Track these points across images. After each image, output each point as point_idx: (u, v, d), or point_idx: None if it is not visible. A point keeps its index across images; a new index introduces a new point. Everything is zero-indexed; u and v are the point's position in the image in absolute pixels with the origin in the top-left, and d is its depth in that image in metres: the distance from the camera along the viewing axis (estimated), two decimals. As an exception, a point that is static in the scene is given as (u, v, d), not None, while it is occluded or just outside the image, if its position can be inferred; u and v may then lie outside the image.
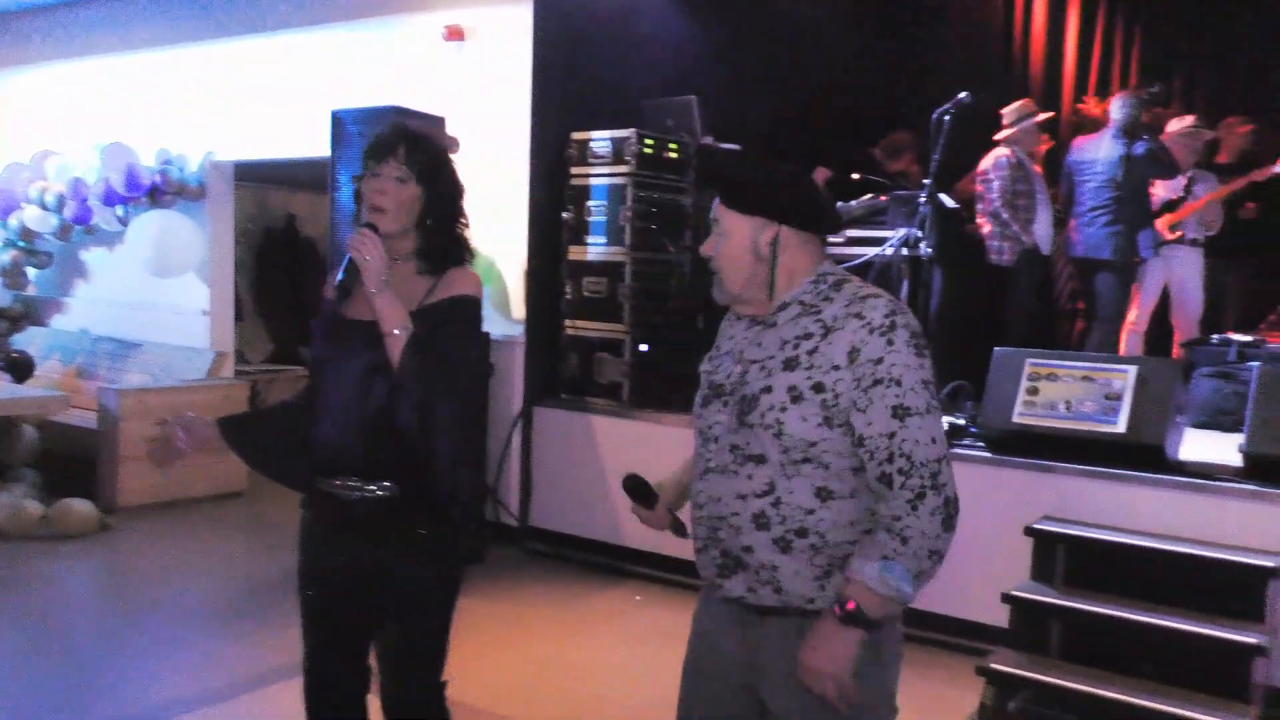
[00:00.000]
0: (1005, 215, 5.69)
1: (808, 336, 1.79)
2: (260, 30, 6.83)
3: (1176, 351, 5.96)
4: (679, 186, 5.49)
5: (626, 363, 5.26)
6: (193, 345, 6.98)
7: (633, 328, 5.26)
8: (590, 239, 5.39)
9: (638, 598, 4.87)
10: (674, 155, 5.43)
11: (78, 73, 8.08)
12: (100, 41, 7.88)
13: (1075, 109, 7.35)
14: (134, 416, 6.11)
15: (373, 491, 2.13)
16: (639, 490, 2.06)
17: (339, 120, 4.98)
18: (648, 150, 5.26)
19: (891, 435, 1.71)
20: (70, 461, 6.35)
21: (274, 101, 6.62)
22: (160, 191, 6.98)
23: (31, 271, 8.04)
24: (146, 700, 3.68)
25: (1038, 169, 5.97)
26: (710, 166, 1.94)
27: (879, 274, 5.34)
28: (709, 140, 5.67)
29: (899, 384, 1.71)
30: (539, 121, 5.39)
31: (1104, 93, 7.11)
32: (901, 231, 5.31)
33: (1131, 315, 6.08)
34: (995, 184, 5.76)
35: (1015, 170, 5.78)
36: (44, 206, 7.46)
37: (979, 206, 5.90)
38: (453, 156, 5.28)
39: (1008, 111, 5.94)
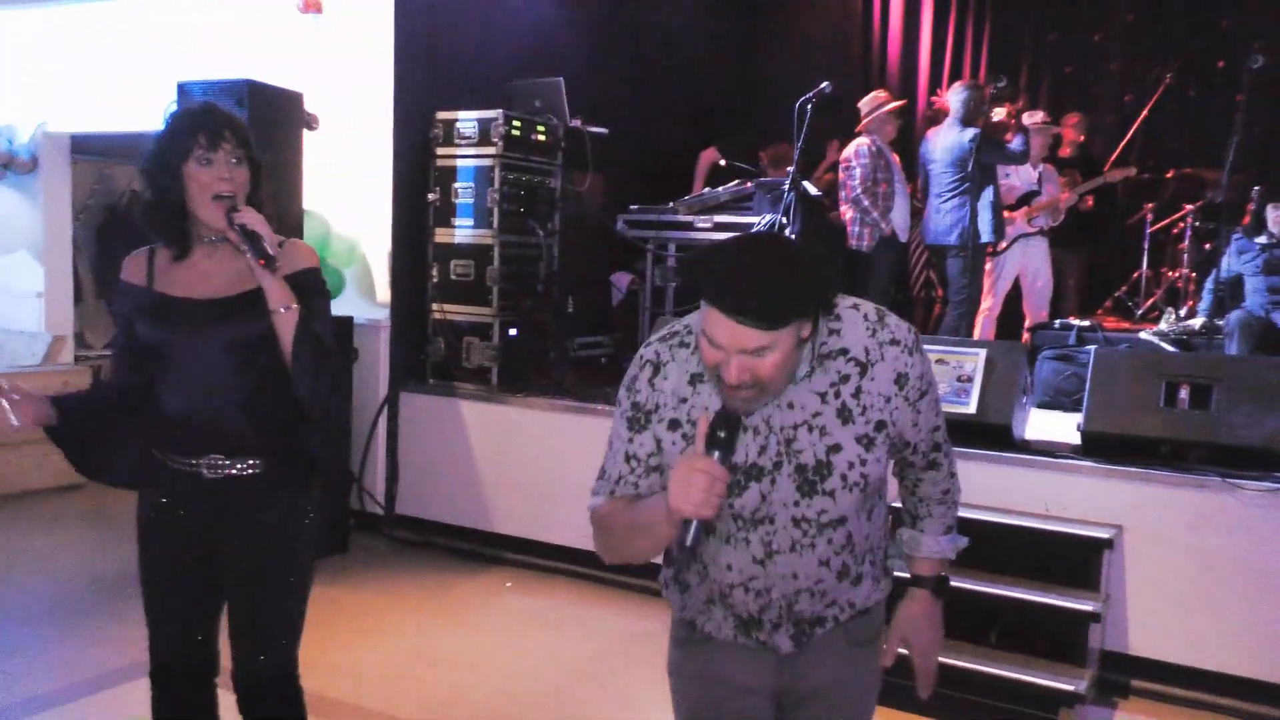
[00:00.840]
0: (866, 202, 5.87)
1: (845, 380, 1.66)
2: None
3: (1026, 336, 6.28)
4: (547, 169, 5.45)
5: (495, 347, 5.19)
6: (27, 329, 6.55)
7: (501, 312, 5.20)
8: (457, 221, 5.29)
9: (508, 584, 4.84)
10: (542, 137, 5.38)
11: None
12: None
13: (930, 103, 7.63)
14: (-39, 406, 5.70)
15: (241, 469, 2.15)
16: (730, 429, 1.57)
17: (186, 92, 4.72)
18: (515, 132, 5.19)
19: (936, 429, 1.80)
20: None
21: (116, 71, 6.24)
22: (-13, 164, 6.51)
23: None
24: (45, 687, 3.48)
25: (895, 158, 6.17)
26: (745, 304, 1.52)
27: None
28: (577, 123, 5.64)
29: (933, 384, 1.76)
30: (402, 100, 5.25)
31: (961, 77, 7.40)
32: (767, 217, 5.42)
33: (987, 302, 6.37)
34: (857, 171, 5.93)
35: (875, 158, 5.96)
36: None
37: (841, 194, 6.07)
38: (312, 133, 5.12)
39: (864, 102, 6.12)
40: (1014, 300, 6.56)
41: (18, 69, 6.76)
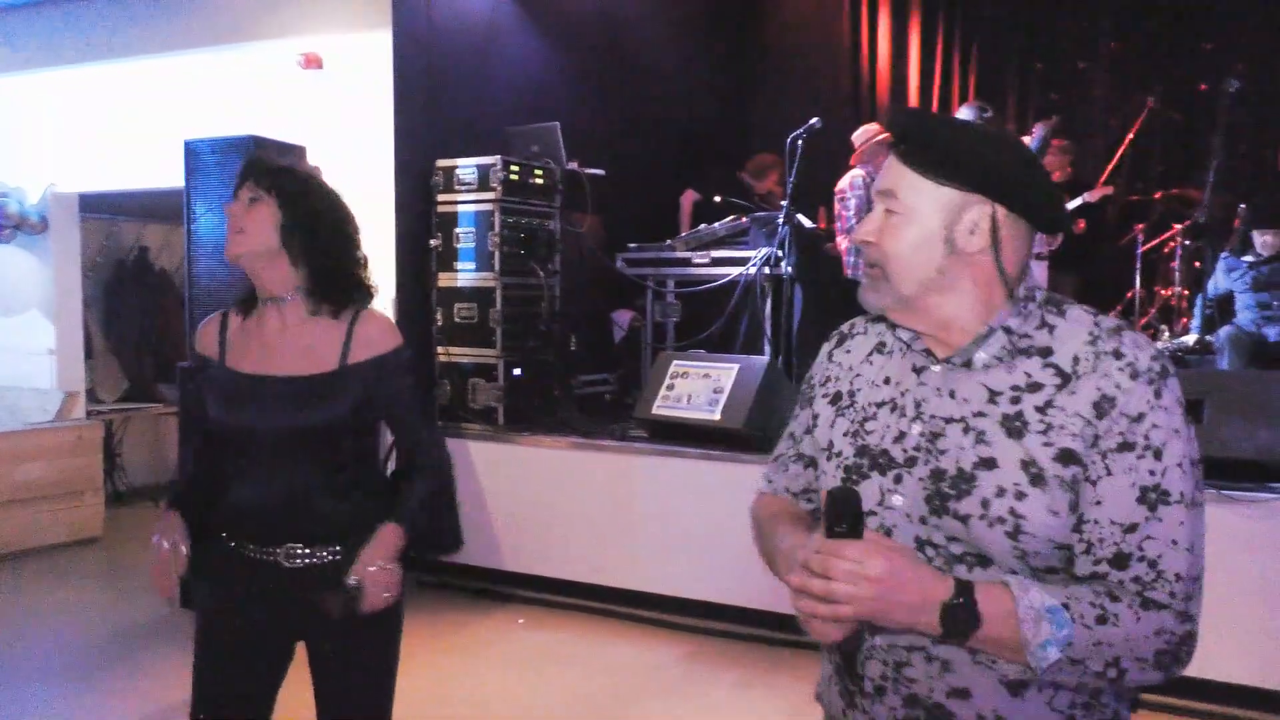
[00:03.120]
0: (859, 233, 5.97)
1: (1035, 388, 1.25)
2: (106, 57, 6.58)
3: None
4: (546, 211, 5.56)
5: (501, 387, 5.28)
6: (39, 386, 6.65)
7: (505, 352, 5.30)
8: (460, 265, 5.40)
9: (520, 621, 4.88)
10: (540, 180, 5.50)
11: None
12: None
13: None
14: (-23, 463, 5.79)
15: (322, 556, 2.00)
16: (849, 510, 1.20)
17: (193, 150, 4.86)
18: (513, 176, 5.32)
19: (1133, 528, 1.19)
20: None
21: (122, 130, 6.40)
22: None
23: None
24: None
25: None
26: (900, 123, 1.35)
27: (743, 293, 5.54)
28: (574, 166, 5.77)
29: (1159, 457, 1.19)
30: (402, 149, 5.38)
31: (946, 112, 7.54)
32: (763, 251, 5.52)
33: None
34: (851, 202, 6.05)
35: (870, 189, 6.06)
36: None
37: (836, 225, 6.18)
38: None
39: (857, 135, 6.25)
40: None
41: (25, 132, 6.93)
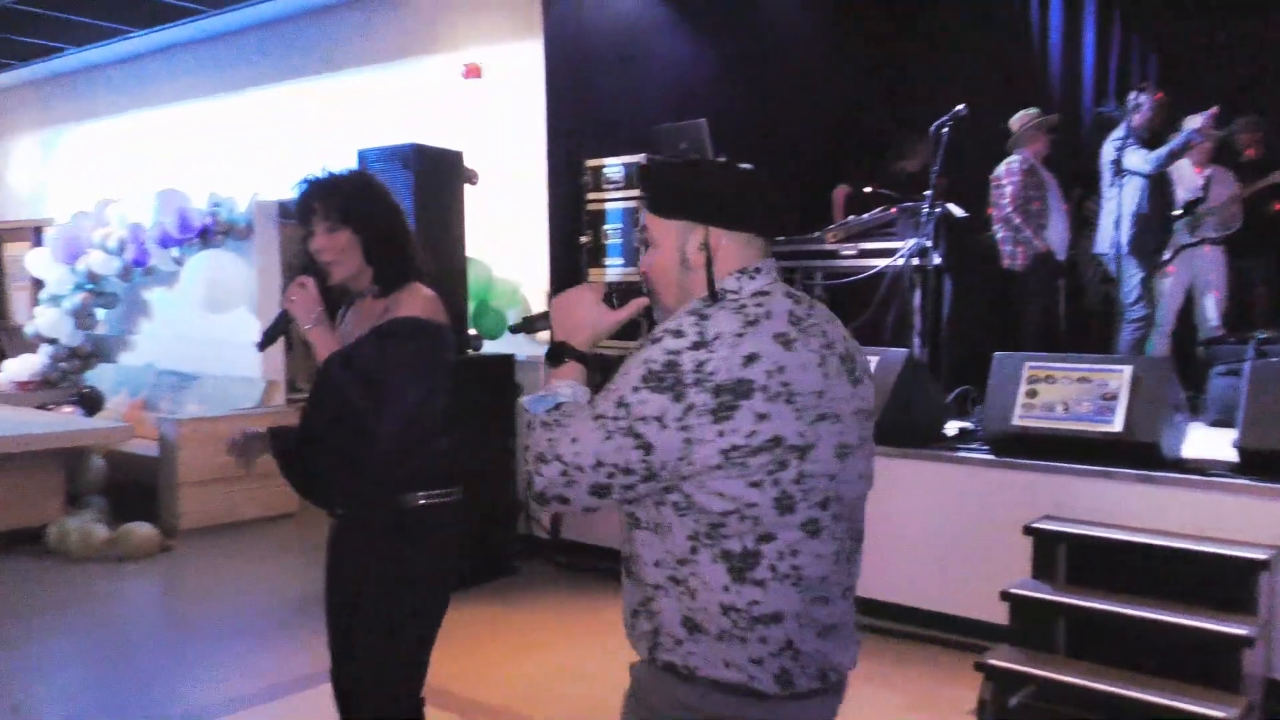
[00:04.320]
0: (1017, 220, 5.77)
1: (633, 356, 1.62)
2: (297, 76, 7.23)
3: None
4: (692, 207, 5.67)
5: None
6: (246, 375, 7.35)
7: (652, 343, 5.45)
8: (608, 261, 5.61)
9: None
10: (686, 177, 5.62)
11: (136, 123, 8.60)
12: (156, 93, 8.38)
13: (1097, 112, 7.37)
14: (191, 444, 6.49)
15: (338, 514, 2.39)
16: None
17: (364, 159, 5.28)
18: (659, 174, 5.46)
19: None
20: (135, 488, 6.75)
21: (310, 142, 7.00)
22: (211, 232, 7.39)
23: (100, 312, 8.54)
24: (190, 703, 3.97)
25: (1050, 175, 6.03)
26: (640, 177, 1.83)
27: (891, 284, 5.48)
28: (723, 161, 5.86)
29: (614, 379, 1.55)
30: (554, 151, 5.64)
31: (1123, 95, 7.12)
32: (911, 242, 5.44)
33: (1158, 316, 6.09)
34: (1007, 189, 5.85)
35: (1027, 176, 5.85)
36: (107, 251, 7.94)
37: (992, 213, 5.99)
38: (473, 187, 5.56)
39: (1015, 119, 6.02)
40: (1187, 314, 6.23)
41: (234, 147, 7.68)
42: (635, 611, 1.61)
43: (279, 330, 2.32)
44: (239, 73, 7.70)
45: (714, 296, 1.57)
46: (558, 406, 1.57)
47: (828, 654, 1.59)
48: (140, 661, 4.46)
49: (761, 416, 1.48)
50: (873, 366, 4.76)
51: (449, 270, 5.23)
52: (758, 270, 1.62)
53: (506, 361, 5.52)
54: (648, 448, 1.48)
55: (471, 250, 5.44)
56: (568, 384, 1.61)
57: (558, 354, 1.66)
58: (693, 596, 1.53)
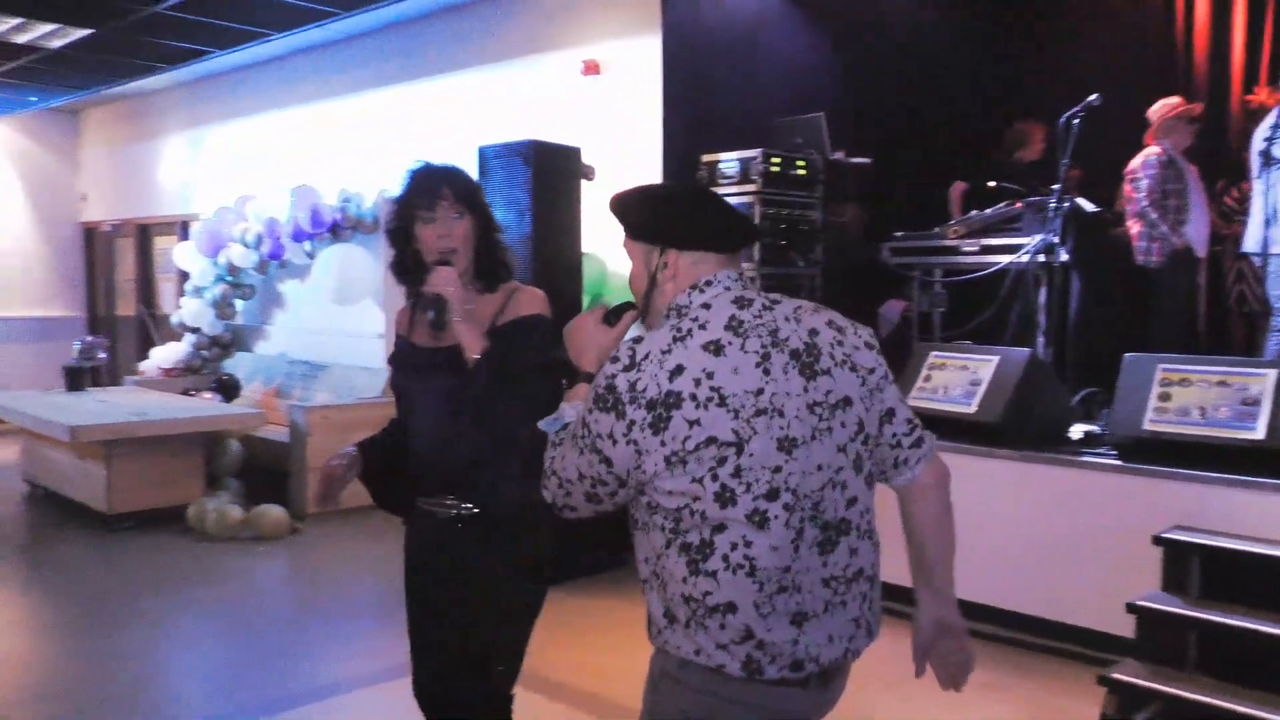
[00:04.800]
0: (1153, 215, 5.50)
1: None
2: (422, 75, 7.44)
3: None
4: (808, 202, 5.62)
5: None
6: (369, 366, 7.62)
7: (764, 341, 5.42)
8: (722, 256, 5.59)
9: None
10: (802, 172, 5.57)
11: (275, 122, 9.01)
12: (292, 93, 8.76)
13: (1245, 101, 6.95)
14: (319, 431, 6.76)
15: (466, 509, 2.27)
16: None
17: (484, 155, 5.40)
18: (774, 169, 5.42)
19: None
20: (268, 472, 7.08)
21: (433, 139, 7.19)
22: (340, 227, 7.68)
23: (239, 303, 9.00)
24: (316, 680, 4.15)
25: (1192, 168, 5.73)
26: (613, 206, 1.87)
27: (1014, 281, 5.30)
28: (838, 156, 5.78)
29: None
30: (670, 146, 5.65)
31: (1277, 80, 6.70)
32: (1037, 238, 5.25)
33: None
34: (1144, 183, 5.57)
35: (1165, 169, 5.57)
36: (245, 244, 8.34)
37: (1127, 207, 5.73)
38: (589, 183, 5.63)
39: (1154, 109, 5.73)
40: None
41: (362, 144, 7.96)
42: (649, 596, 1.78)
43: (441, 314, 2.22)
44: (368, 73, 7.98)
45: (677, 310, 1.75)
46: (564, 427, 1.79)
47: (804, 644, 1.65)
48: (268, 639, 4.68)
49: (693, 422, 1.60)
50: (992, 366, 4.67)
51: (564, 265, 5.31)
52: (708, 283, 1.75)
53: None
54: (608, 461, 1.67)
55: (587, 246, 5.51)
56: (573, 406, 1.80)
57: (571, 376, 1.86)
58: (665, 588, 1.68)
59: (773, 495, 1.61)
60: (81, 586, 5.41)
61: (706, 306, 1.71)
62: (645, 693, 1.77)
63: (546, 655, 4.16)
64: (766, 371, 1.64)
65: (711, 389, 1.61)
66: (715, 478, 1.60)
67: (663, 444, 1.61)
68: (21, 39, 6.73)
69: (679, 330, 1.67)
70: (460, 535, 2.28)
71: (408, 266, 2.32)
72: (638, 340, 1.70)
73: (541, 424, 1.82)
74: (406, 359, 2.35)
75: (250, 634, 4.75)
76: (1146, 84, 6.62)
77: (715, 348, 1.64)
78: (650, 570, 1.71)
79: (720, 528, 1.61)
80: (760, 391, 1.62)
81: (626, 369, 1.65)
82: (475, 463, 2.24)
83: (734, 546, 1.62)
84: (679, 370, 1.62)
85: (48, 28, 6.46)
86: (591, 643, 4.41)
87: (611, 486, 1.70)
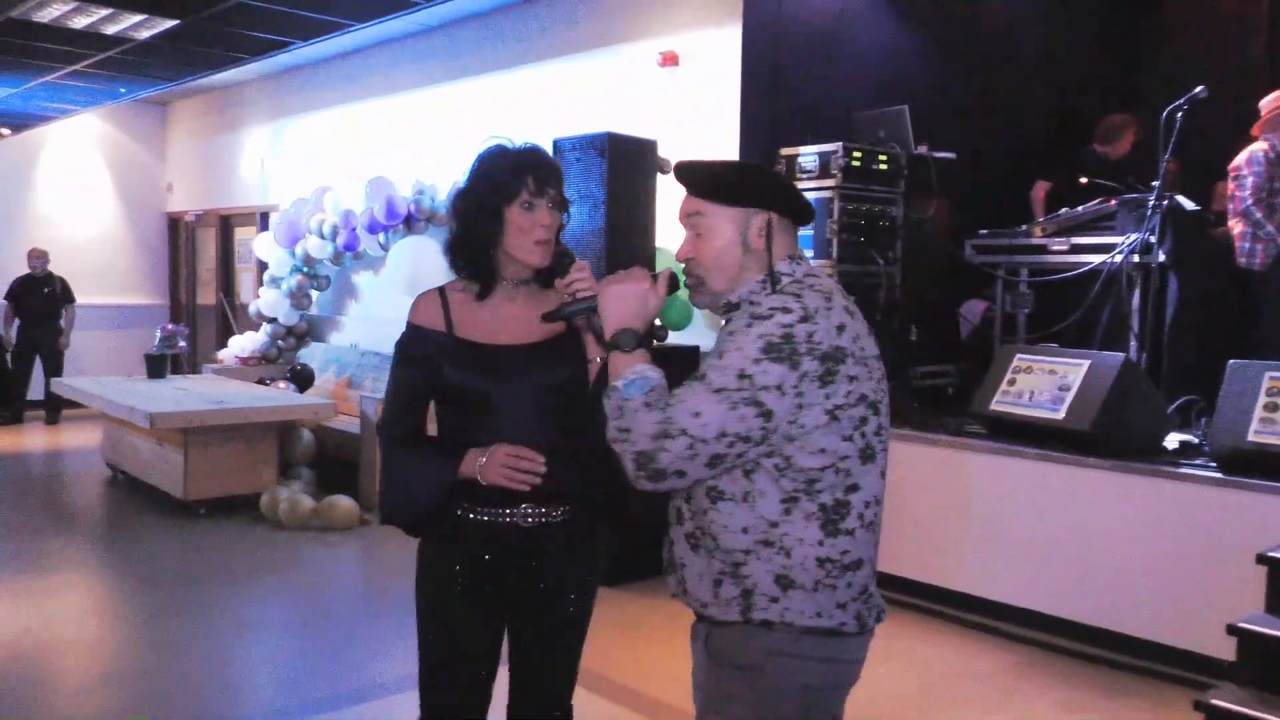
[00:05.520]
0: (1258, 214, 5.21)
1: (732, 334, 1.73)
2: (499, 68, 7.42)
3: None
4: (889, 198, 5.44)
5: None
6: (441, 358, 7.62)
7: (841, 340, 5.27)
8: (800, 252, 5.45)
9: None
10: (883, 167, 5.39)
11: (353, 114, 9.09)
12: (370, 86, 8.82)
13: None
14: (389, 422, 6.77)
15: (555, 516, 2.12)
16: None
17: (559, 147, 5.33)
18: (855, 163, 5.26)
19: (679, 388, 1.69)
20: (339, 462, 7.13)
21: (508, 131, 7.15)
22: (414, 219, 7.70)
23: (314, 294, 9.10)
24: (388, 674, 4.12)
25: (1302, 164, 5.41)
26: (684, 170, 1.84)
27: (1106, 282, 5.07)
28: (922, 150, 5.59)
29: (720, 356, 1.67)
30: (748, 139, 5.52)
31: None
32: (1132, 237, 5.02)
33: None
34: (1249, 180, 5.28)
35: (1273, 166, 5.27)
36: (321, 236, 8.42)
37: (1230, 206, 5.44)
38: (664, 177, 5.53)
39: (1266, 102, 5.42)
40: None
41: (437, 136, 7.98)
42: (717, 580, 1.73)
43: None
44: (443, 65, 7.99)
45: (773, 279, 1.76)
46: (652, 389, 1.69)
47: (878, 594, 1.82)
48: (335, 631, 4.68)
49: (852, 379, 1.68)
50: (1083, 371, 4.46)
51: (638, 259, 5.21)
52: (801, 256, 1.83)
53: (693, 353, 5.47)
54: (768, 414, 1.63)
55: (661, 240, 5.41)
56: (649, 367, 1.73)
57: (626, 340, 1.77)
58: (787, 555, 1.69)
59: (886, 451, 1.78)
60: (155, 572, 5.49)
61: (814, 276, 1.78)
62: (724, 682, 1.76)
63: (610, 656, 4.09)
64: (875, 341, 1.78)
65: (861, 349, 1.71)
66: (863, 435, 1.70)
67: (826, 397, 1.65)
68: (110, 30, 6.86)
69: (823, 291, 1.73)
70: (546, 546, 2.13)
71: (481, 250, 2.09)
72: (795, 295, 1.70)
73: (621, 384, 1.69)
74: (473, 357, 2.11)
75: (318, 626, 4.76)
76: (1247, 78, 6.31)
77: (851, 312, 1.74)
78: (755, 540, 1.70)
79: (854, 487, 1.71)
80: (879, 357, 1.77)
81: (802, 320, 1.66)
82: (571, 465, 2.09)
83: (867, 504, 1.73)
84: (842, 328, 1.69)
85: (136, 18, 6.57)
86: (656, 645, 4.32)
87: (749, 446, 1.65)
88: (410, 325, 2.15)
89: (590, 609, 2.27)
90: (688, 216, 1.81)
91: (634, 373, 1.70)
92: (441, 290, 2.16)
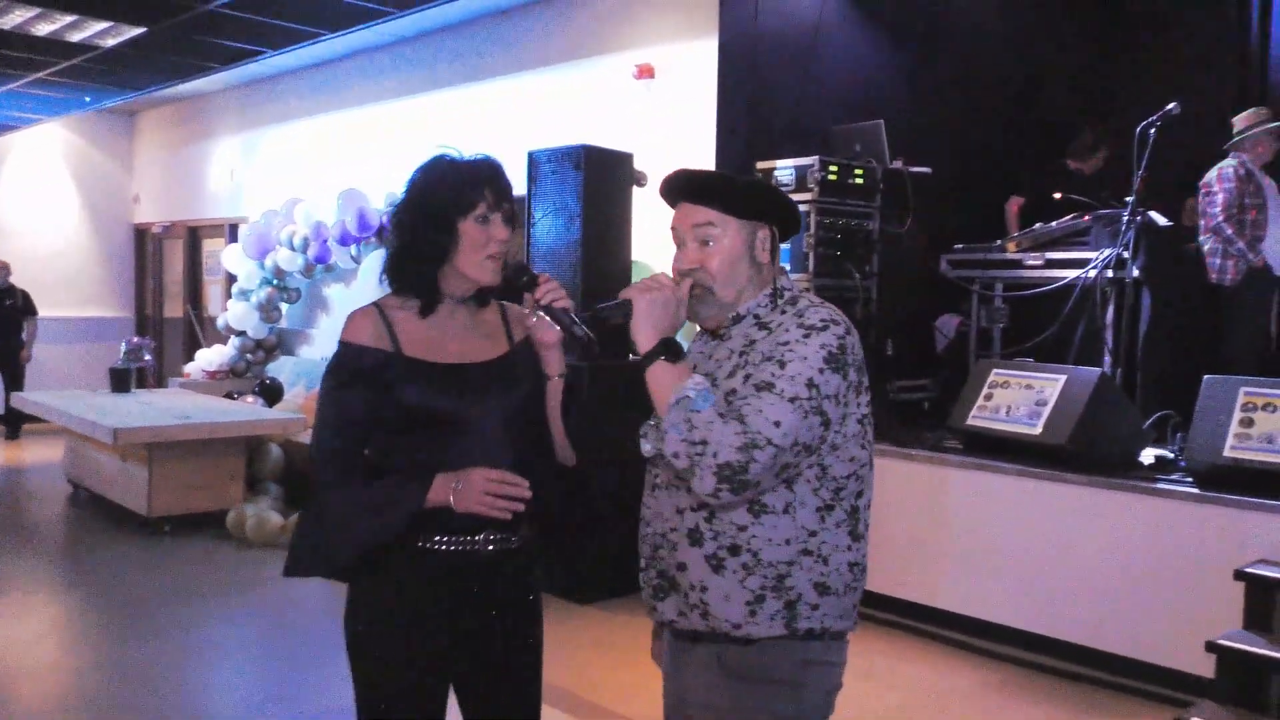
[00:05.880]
0: (1229, 231, 5.25)
1: (751, 344, 1.78)
2: (472, 79, 7.37)
3: None
4: (865, 212, 5.43)
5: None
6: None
7: (817, 354, 5.24)
8: (776, 266, 5.42)
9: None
10: (860, 181, 5.38)
11: (325, 125, 8.99)
12: (343, 97, 8.74)
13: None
14: (360, 437, 6.67)
15: (512, 542, 1.99)
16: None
17: (534, 160, 5.29)
18: (831, 177, 5.24)
19: (741, 398, 1.67)
20: (308, 478, 7.00)
21: (485, 144, 7.07)
22: (386, 231, 7.61)
23: (284, 306, 8.98)
24: (347, 697, 4.02)
25: (1270, 182, 5.46)
26: (694, 180, 1.86)
27: (1080, 297, 5.08)
28: (898, 164, 5.59)
29: (781, 365, 1.67)
30: (724, 152, 5.49)
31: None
32: (1106, 252, 5.03)
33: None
34: (1219, 196, 5.32)
35: (1243, 183, 5.32)
36: (292, 248, 8.31)
37: (1201, 222, 5.48)
38: (640, 190, 5.49)
39: (1240, 119, 5.48)
40: None
41: (411, 148, 7.87)
42: (758, 597, 1.72)
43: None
44: (417, 77, 7.92)
45: (777, 291, 1.83)
46: (716, 400, 1.71)
47: None
48: (303, 652, 4.57)
49: (866, 388, 1.78)
50: (1060, 385, 4.45)
51: (614, 272, 5.17)
52: (783, 270, 1.89)
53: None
54: (828, 423, 1.69)
55: (638, 253, 5.37)
56: (701, 378, 1.72)
57: (673, 350, 1.75)
58: (825, 562, 1.73)
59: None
60: (118, 592, 5.35)
61: (808, 289, 1.89)
62: (752, 698, 1.74)
63: (581, 675, 4.02)
64: None
65: (864, 362, 1.78)
66: (869, 443, 1.79)
67: (859, 406, 1.75)
68: (75, 37, 6.75)
69: (826, 304, 1.80)
70: (504, 572, 2.00)
71: (428, 264, 1.95)
72: (823, 305, 1.78)
73: (693, 394, 1.65)
74: (435, 377, 1.94)
75: (285, 646, 4.66)
76: (1217, 94, 6.37)
77: (849, 327, 1.79)
78: (797, 551, 1.72)
79: (863, 493, 1.78)
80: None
81: (848, 332, 1.74)
82: (532, 486, 1.95)
83: (869, 507, 1.81)
84: (858, 339, 1.78)
85: (101, 25, 6.47)
86: (628, 663, 4.25)
87: (809, 456, 1.69)
88: (345, 344, 1.95)
89: (541, 633, 2.14)
90: (696, 226, 1.81)
91: (696, 384, 1.67)
92: (378, 305, 2.00)
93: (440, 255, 1.95)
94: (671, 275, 1.83)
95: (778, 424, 1.62)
